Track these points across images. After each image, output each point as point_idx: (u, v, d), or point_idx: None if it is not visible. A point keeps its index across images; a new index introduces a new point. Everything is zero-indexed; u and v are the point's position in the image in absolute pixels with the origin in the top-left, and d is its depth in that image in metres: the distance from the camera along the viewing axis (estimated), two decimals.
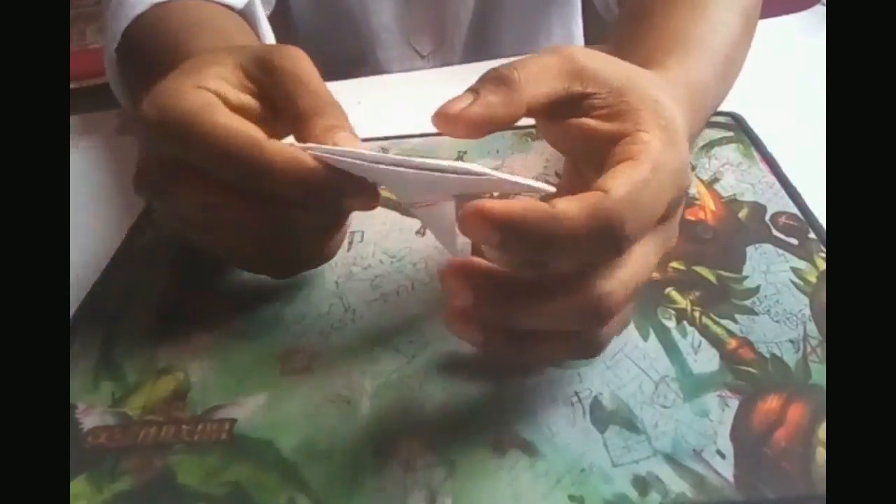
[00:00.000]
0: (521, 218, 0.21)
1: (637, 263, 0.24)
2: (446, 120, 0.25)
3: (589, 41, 0.75)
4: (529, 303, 0.23)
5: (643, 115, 0.25)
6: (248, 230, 0.28)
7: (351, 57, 0.66)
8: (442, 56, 0.67)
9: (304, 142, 0.27)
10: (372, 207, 0.28)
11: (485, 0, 0.65)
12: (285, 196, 0.27)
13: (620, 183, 0.22)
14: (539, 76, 0.26)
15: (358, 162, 0.26)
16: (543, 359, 0.28)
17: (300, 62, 0.29)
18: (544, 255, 0.23)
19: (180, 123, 0.26)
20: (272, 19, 0.53)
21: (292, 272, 0.32)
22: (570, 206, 0.22)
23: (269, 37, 0.49)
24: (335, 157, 0.26)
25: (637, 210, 0.22)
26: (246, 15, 0.47)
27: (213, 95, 0.27)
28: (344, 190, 0.27)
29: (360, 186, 0.27)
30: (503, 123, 0.25)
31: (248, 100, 0.29)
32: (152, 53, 0.40)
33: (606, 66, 0.26)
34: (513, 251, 0.23)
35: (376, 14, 0.65)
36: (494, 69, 0.26)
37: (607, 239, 0.22)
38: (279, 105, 0.29)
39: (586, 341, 0.25)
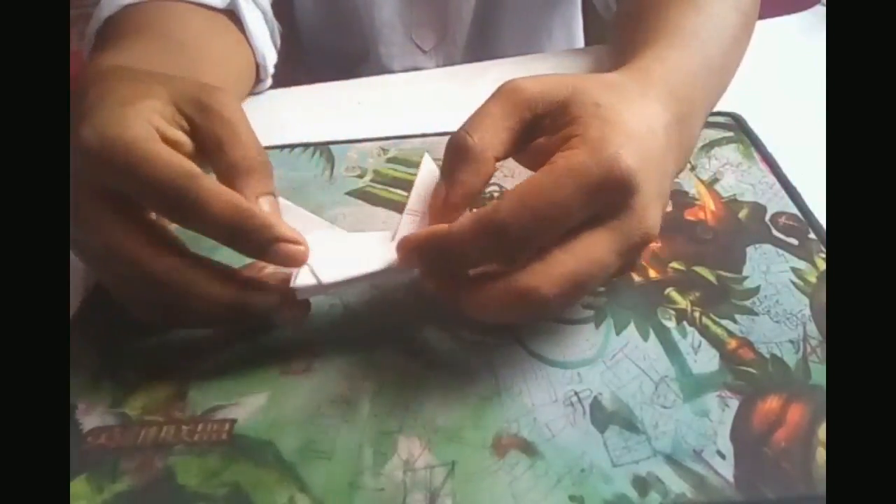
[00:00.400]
0: (425, 240, 0.26)
1: (571, 260, 0.25)
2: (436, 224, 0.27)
3: (589, 41, 0.75)
4: (468, 295, 0.26)
5: (581, 122, 0.27)
6: (146, 291, 0.28)
7: (352, 51, 0.66)
8: (444, 51, 0.67)
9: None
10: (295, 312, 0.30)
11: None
12: (214, 235, 0.27)
13: (512, 192, 0.25)
14: (492, 126, 0.27)
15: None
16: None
17: (233, 109, 0.29)
18: (450, 266, 0.27)
19: (122, 152, 0.26)
20: (274, 12, 0.52)
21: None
22: (463, 220, 0.25)
23: (257, 35, 0.48)
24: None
25: (523, 215, 0.24)
26: (232, 14, 0.47)
27: (151, 131, 0.27)
28: (270, 239, 0.27)
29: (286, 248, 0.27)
30: (481, 190, 0.28)
31: (180, 136, 0.29)
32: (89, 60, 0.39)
33: (549, 85, 0.28)
34: (431, 267, 0.27)
35: (378, 9, 0.65)
36: (451, 139, 0.28)
37: (493, 244, 0.25)
38: (208, 149, 0.29)
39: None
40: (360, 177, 0.41)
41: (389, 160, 0.42)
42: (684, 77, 0.34)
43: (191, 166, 0.26)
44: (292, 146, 0.44)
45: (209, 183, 0.26)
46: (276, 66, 0.51)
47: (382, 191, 0.40)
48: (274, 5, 0.52)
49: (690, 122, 0.33)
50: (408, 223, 0.29)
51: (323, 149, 0.43)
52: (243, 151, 0.28)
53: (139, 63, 0.35)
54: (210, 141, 0.29)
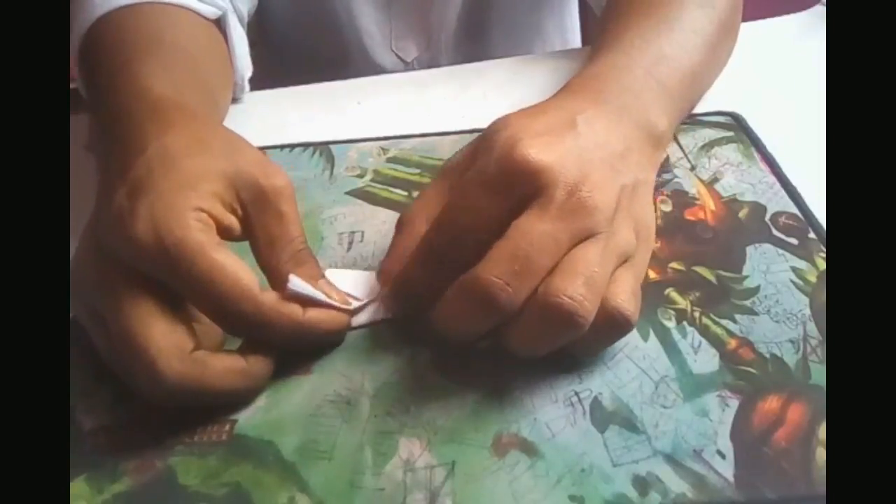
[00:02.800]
0: (391, 289, 0.31)
1: (503, 242, 0.26)
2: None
3: (589, 41, 0.75)
4: (433, 314, 0.28)
5: (480, 141, 0.30)
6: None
7: (332, 63, 0.65)
8: (428, 61, 0.66)
9: (277, 287, 0.28)
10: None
11: (471, 2, 0.64)
12: (272, 342, 0.28)
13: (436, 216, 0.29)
14: (432, 193, 0.30)
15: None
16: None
17: (289, 200, 0.29)
18: (417, 299, 0.30)
19: (181, 256, 0.25)
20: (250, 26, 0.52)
21: None
22: (409, 258, 0.29)
23: (238, 57, 0.47)
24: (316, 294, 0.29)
25: (443, 231, 0.28)
26: (220, 24, 0.46)
27: (209, 224, 0.27)
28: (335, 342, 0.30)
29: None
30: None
31: (232, 222, 0.28)
32: (105, 65, 0.38)
33: (487, 127, 0.30)
34: (409, 307, 0.30)
35: (359, 20, 0.64)
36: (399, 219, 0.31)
37: (434, 266, 0.28)
38: (259, 241, 0.29)
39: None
40: (360, 176, 0.41)
41: (389, 160, 0.42)
42: (618, 77, 0.35)
43: (250, 280, 0.26)
44: (292, 146, 0.44)
45: (270, 301, 0.27)
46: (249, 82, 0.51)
47: (382, 190, 0.40)
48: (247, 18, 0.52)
49: (631, 110, 0.33)
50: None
51: (323, 149, 0.43)
52: (294, 248, 0.29)
53: (173, 81, 0.35)
54: (263, 235, 0.29)
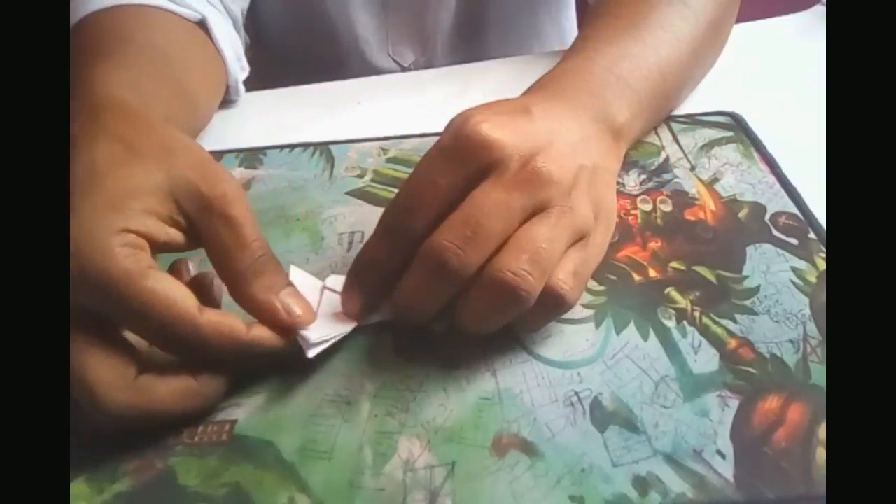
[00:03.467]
0: (353, 268, 0.30)
1: (457, 212, 0.27)
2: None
3: None
4: (398, 293, 0.28)
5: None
6: None
7: (330, 68, 0.65)
8: (424, 65, 0.66)
9: (240, 299, 0.28)
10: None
11: (466, 4, 0.64)
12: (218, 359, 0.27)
13: None
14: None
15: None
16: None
17: (238, 205, 0.27)
18: (378, 275, 0.30)
19: (107, 287, 0.24)
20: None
21: None
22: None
23: (227, 52, 0.47)
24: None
25: (399, 203, 0.28)
26: (205, 27, 0.46)
27: (139, 246, 0.25)
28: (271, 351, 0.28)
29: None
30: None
31: (173, 235, 0.27)
32: (74, 68, 0.35)
33: None
34: (365, 286, 0.30)
35: (354, 27, 0.63)
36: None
37: (392, 239, 0.28)
38: (212, 253, 0.27)
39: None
40: (360, 176, 0.41)
41: (389, 160, 0.42)
42: (580, 75, 0.36)
43: (185, 301, 0.25)
44: (292, 146, 0.44)
45: (209, 321, 0.25)
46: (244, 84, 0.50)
47: (382, 190, 0.40)
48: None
49: (586, 95, 0.34)
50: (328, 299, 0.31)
51: (323, 149, 0.43)
52: (251, 256, 0.27)
53: (129, 80, 0.34)
54: (214, 246, 0.27)
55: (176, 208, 0.27)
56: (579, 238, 0.28)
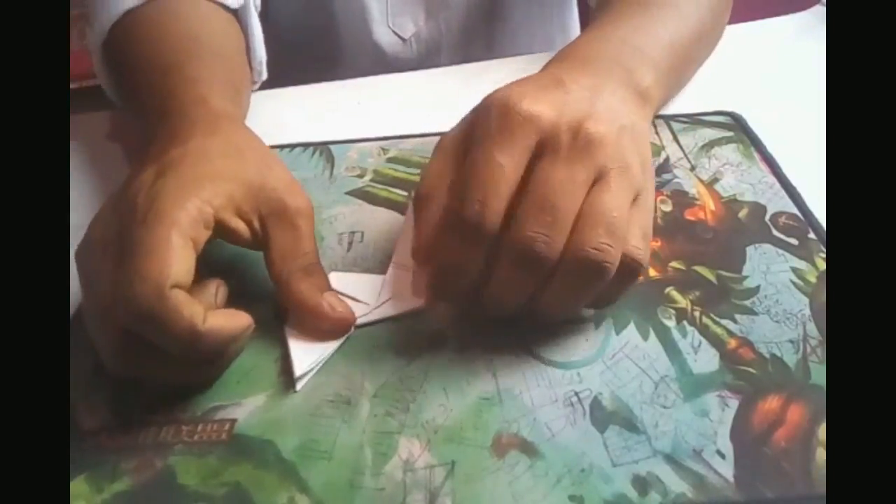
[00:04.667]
0: (418, 243, 0.30)
1: (536, 196, 0.27)
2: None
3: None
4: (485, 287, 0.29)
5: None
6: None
7: (328, 44, 0.65)
8: (425, 40, 0.65)
9: (289, 296, 0.30)
10: None
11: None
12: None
13: None
14: (438, 177, 0.29)
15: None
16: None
17: (306, 222, 0.31)
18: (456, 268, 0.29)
19: (154, 228, 0.27)
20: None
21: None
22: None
23: (258, 41, 0.48)
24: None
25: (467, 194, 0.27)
26: (239, 15, 0.47)
27: (207, 218, 0.28)
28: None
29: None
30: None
31: (242, 228, 0.30)
32: (145, 59, 0.39)
33: (468, 121, 0.31)
34: (444, 284, 0.30)
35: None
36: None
37: (459, 235, 0.28)
38: (273, 253, 0.30)
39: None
40: (360, 176, 0.41)
41: (389, 160, 0.42)
42: (599, 43, 0.37)
43: (194, 316, 0.26)
44: (292, 146, 0.44)
45: (175, 297, 0.26)
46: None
47: (382, 190, 0.40)
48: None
49: (612, 65, 0.35)
50: (397, 278, 0.33)
51: (323, 149, 0.43)
52: (306, 259, 0.30)
53: (217, 84, 0.37)
54: (277, 248, 0.30)
55: (254, 207, 0.30)
56: (636, 196, 0.28)
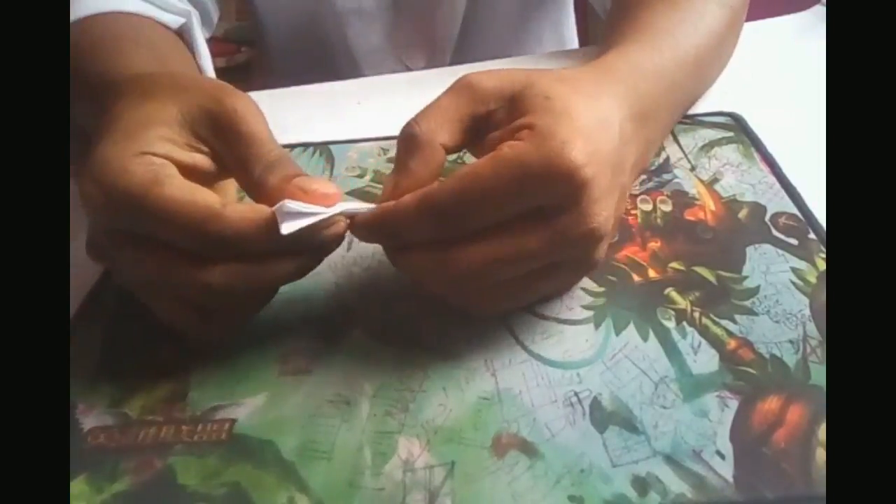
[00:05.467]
0: (373, 218, 0.28)
1: (497, 243, 0.26)
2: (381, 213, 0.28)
3: (583, 37, 0.75)
4: (399, 256, 0.28)
5: (531, 115, 0.27)
6: (196, 297, 0.27)
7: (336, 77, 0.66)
8: (433, 68, 0.67)
9: (262, 200, 0.27)
10: (338, 241, 0.29)
11: (472, 9, 0.65)
12: (259, 254, 0.27)
13: (455, 175, 0.26)
14: (442, 118, 0.28)
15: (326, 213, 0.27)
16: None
17: (249, 120, 0.28)
18: (395, 239, 0.28)
19: (128, 202, 0.25)
20: (232, 36, 0.52)
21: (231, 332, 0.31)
22: (408, 198, 0.27)
23: (205, 57, 0.48)
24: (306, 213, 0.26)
25: (461, 199, 0.25)
26: (182, 35, 0.47)
27: (160, 165, 0.26)
28: (313, 235, 0.27)
29: (328, 225, 0.27)
30: (431, 180, 0.28)
31: (200, 160, 0.28)
32: (83, 70, 0.38)
33: (502, 80, 0.29)
34: (380, 241, 0.29)
35: (364, 36, 0.64)
36: (401, 130, 0.29)
37: (432, 223, 0.26)
38: (231, 167, 0.28)
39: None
40: (360, 177, 0.41)
41: (390, 160, 0.42)
42: (648, 74, 0.34)
43: (209, 201, 0.25)
44: (292, 146, 0.44)
45: (235, 213, 0.25)
46: None
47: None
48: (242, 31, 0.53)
49: (654, 118, 0.33)
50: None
51: (323, 149, 0.43)
52: (265, 160, 0.28)
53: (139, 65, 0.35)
54: (232, 161, 0.28)
55: (193, 136, 0.28)
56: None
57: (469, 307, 0.29)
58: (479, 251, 0.26)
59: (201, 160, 0.28)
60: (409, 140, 0.28)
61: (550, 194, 0.26)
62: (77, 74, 0.37)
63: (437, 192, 0.26)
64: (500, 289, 0.28)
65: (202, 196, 0.26)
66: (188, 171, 0.27)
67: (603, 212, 0.27)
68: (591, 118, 0.27)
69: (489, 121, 0.28)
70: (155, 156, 0.26)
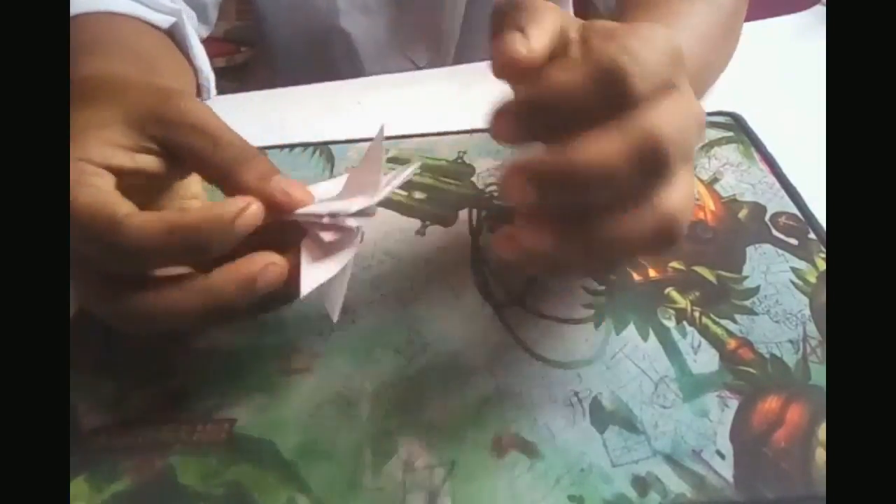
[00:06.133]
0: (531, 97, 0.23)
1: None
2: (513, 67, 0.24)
3: None
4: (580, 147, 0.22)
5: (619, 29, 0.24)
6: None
7: (340, 76, 0.67)
8: (438, 64, 0.67)
9: (235, 193, 0.26)
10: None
11: (473, 4, 0.65)
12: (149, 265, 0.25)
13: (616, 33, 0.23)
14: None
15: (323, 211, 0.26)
16: (617, 249, 0.23)
17: (201, 114, 0.26)
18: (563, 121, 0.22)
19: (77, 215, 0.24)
20: (233, 36, 0.52)
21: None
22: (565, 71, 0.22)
23: (200, 57, 0.48)
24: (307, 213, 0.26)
25: (639, 56, 0.22)
26: (173, 35, 0.46)
27: (90, 173, 0.25)
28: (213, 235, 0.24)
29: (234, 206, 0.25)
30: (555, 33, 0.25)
31: (146, 160, 0.26)
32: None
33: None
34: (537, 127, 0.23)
35: (368, 32, 0.64)
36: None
37: (611, 87, 0.22)
38: (187, 161, 0.27)
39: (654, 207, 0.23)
40: None
41: (389, 160, 0.42)
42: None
43: (108, 211, 0.24)
44: (292, 146, 0.44)
45: (133, 221, 0.24)
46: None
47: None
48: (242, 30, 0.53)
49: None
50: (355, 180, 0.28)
51: (323, 149, 0.43)
52: (230, 148, 0.26)
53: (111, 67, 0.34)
54: (192, 157, 0.26)
55: (141, 136, 0.26)
56: None
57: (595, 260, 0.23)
58: (598, 149, 0.21)
59: (148, 162, 0.26)
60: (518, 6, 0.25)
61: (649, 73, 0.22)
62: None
63: (605, 47, 0.22)
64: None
65: (109, 204, 0.24)
66: (133, 176, 0.26)
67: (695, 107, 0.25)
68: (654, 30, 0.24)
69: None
70: (90, 163, 0.25)
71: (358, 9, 0.63)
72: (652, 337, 0.30)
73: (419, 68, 0.66)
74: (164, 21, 0.46)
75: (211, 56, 0.50)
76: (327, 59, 0.67)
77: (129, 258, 0.24)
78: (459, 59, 0.67)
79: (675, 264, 0.33)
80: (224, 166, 0.26)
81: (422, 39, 0.65)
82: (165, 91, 0.27)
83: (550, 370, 0.29)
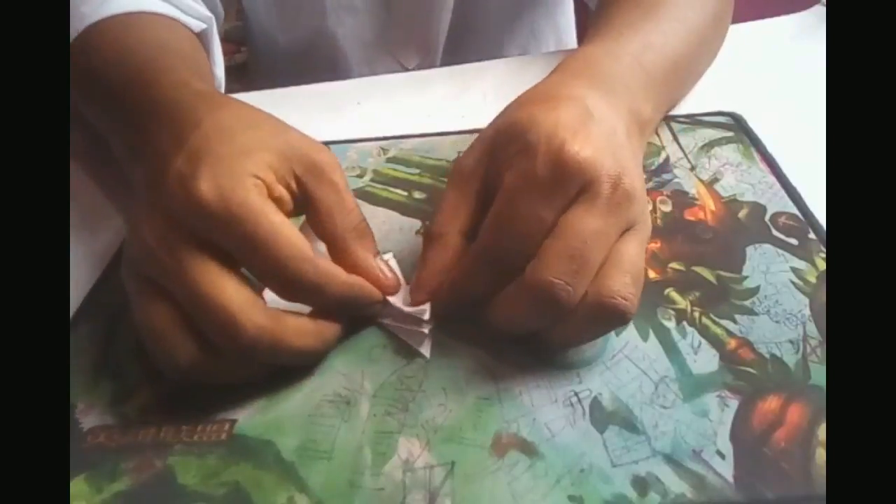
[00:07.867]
0: (443, 292, 0.30)
1: (558, 241, 0.27)
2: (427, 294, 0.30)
3: (583, 37, 0.75)
4: (490, 309, 0.29)
5: (522, 140, 0.28)
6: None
7: (329, 77, 0.67)
8: (426, 68, 0.67)
9: (341, 257, 0.29)
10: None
11: (463, 5, 0.65)
12: (326, 308, 0.29)
13: (486, 220, 0.29)
14: (449, 209, 0.30)
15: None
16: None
17: (341, 173, 0.30)
18: (469, 302, 0.30)
19: (243, 216, 0.26)
20: (233, 36, 0.52)
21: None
22: (465, 262, 0.29)
23: (219, 65, 0.48)
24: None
25: (501, 239, 0.28)
26: (201, 38, 0.46)
27: (264, 190, 0.28)
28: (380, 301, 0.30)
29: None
30: (451, 262, 0.30)
31: (283, 194, 0.29)
32: (114, 64, 0.38)
33: (475, 150, 0.31)
34: (455, 309, 0.30)
35: (356, 34, 0.64)
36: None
37: (492, 270, 0.28)
38: (317, 214, 0.29)
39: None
40: (360, 176, 0.41)
41: (389, 160, 0.42)
42: (603, 59, 0.36)
43: (306, 244, 0.27)
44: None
45: (325, 265, 0.27)
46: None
47: (382, 190, 0.40)
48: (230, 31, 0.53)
49: (622, 90, 0.34)
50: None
51: None
52: (354, 218, 0.30)
53: (193, 74, 0.35)
54: (321, 205, 0.29)
55: (289, 171, 0.29)
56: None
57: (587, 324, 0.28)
58: (547, 257, 0.26)
59: (286, 196, 0.29)
60: (424, 237, 0.31)
61: (573, 189, 0.27)
62: (98, 75, 0.38)
63: (481, 245, 0.28)
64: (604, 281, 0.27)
65: (301, 239, 0.27)
66: (273, 201, 0.28)
67: (631, 178, 0.28)
68: (564, 115, 0.29)
69: (490, 183, 0.30)
70: (262, 181, 0.28)
71: (344, 8, 0.63)
72: (652, 337, 0.30)
73: (407, 70, 0.66)
74: (197, 26, 0.46)
75: None
76: (314, 60, 0.66)
77: (304, 290, 0.27)
78: (447, 61, 0.67)
79: (674, 265, 0.33)
80: (341, 231, 0.29)
81: (410, 40, 0.65)
82: (319, 145, 0.30)
83: (550, 370, 0.29)
